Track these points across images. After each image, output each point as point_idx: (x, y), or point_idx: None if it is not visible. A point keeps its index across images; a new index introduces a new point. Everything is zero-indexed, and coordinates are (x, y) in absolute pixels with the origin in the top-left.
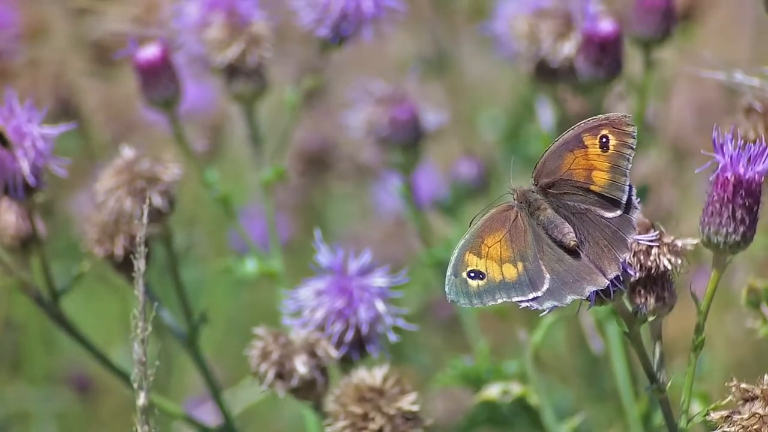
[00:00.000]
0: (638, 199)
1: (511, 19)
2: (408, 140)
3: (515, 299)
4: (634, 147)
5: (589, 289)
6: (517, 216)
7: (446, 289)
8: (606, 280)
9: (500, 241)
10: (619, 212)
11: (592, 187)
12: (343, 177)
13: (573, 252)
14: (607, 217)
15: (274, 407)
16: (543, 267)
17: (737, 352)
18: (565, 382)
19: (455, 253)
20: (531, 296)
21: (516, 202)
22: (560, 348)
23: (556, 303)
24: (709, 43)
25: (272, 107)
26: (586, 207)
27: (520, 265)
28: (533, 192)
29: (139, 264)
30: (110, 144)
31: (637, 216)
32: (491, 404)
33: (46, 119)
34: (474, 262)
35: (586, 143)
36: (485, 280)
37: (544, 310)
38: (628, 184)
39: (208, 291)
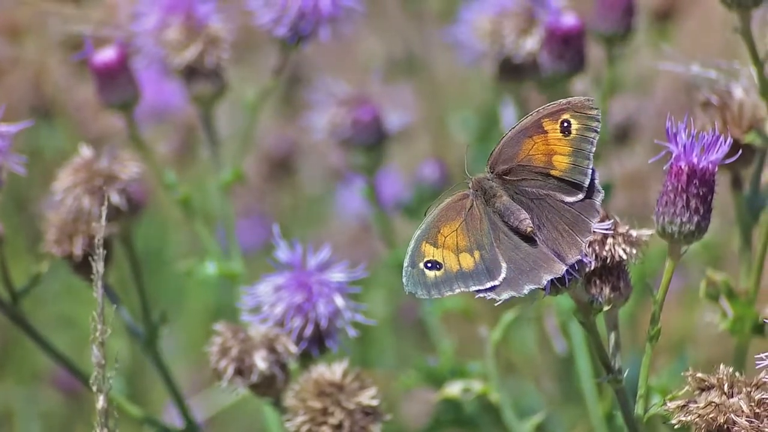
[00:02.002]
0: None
1: (474, 20)
2: (371, 141)
3: (473, 288)
4: (598, 130)
5: (546, 278)
6: (472, 204)
7: (404, 281)
8: (563, 267)
9: (456, 230)
10: (580, 196)
11: (553, 172)
12: (311, 180)
13: (529, 239)
14: (567, 202)
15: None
16: (499, 255)
17: (723, 346)
18: (537, 382)
19: (411, 243)
20: (488, 285)
21: (471, 190)
22: (532, 348)
23: (513, 293)
24: (690, 40)
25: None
26: (545, 192)
27: (476, 254)
28: (489, 180)
29: (98, 266)
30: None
31: (600, 200)
32: (456, 404)
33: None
34: (431, 252)
35: (546, 128)
36: (442, 270)
37: (500, 301)
38: (590, 167)
39: (202, 289)
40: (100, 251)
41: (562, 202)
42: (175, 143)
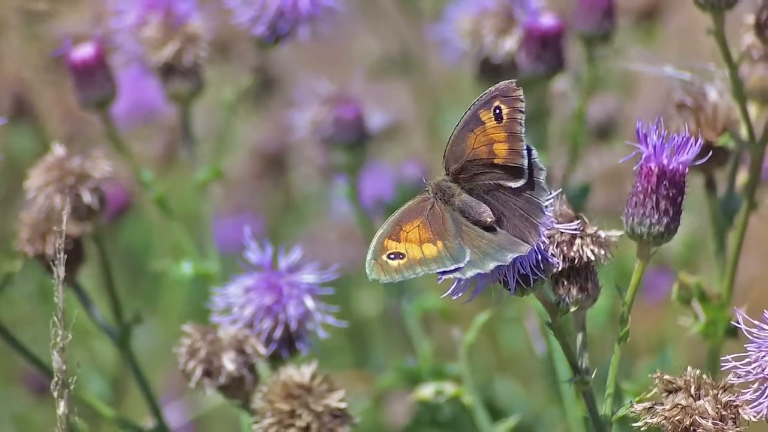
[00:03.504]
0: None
1: (457, 20)
2: (352, 140)
3: (435, 270)
4: (524, 111)
5: (511, 256)
6: (433, 205)
7: (367, 270)
8: (528, 247)
9: (418, 226)
10: (523, 180)
11: (496, 161)
12: (305, 177)
13: (492, 230)
14: (516, 188)
15: None
16: (464, 245)
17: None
18: (527, 382)
19: (373, 241)
20: (452, 267)
21: (432, 194)
22: (521, 348)
23: (479, 270)
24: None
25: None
26: (495, 183)
27: (440, 243)
28: (446, 181)
29: (59, 270)
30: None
31: (544, 177)
32: (434, 406)
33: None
34: (393, 246)
35: (482, 119)
36: (405, 258)
37: (465, 281)
38: (525, 148)
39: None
40: (61, 255)
41: (511, 188)
42: (161, 143)
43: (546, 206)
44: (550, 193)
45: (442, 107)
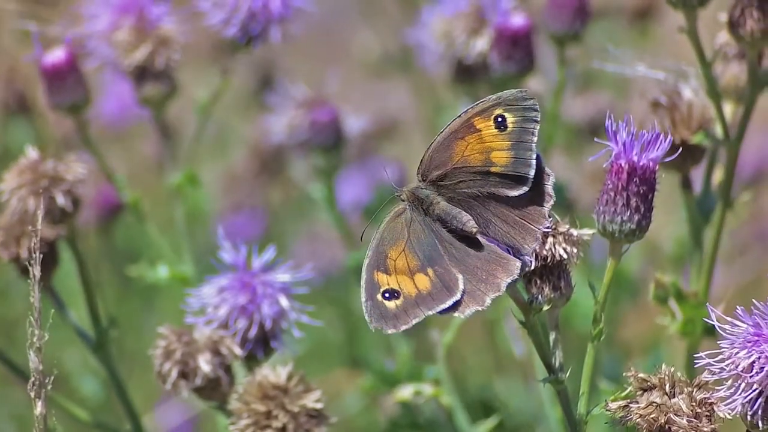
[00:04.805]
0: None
1: (432, 22)
2: (329, 143)
3: (437, 310)
4: (538, 120)
5: (505, 281)
6: (411, 218)
7: (366, 317)
8: (518, 264)
9: (404, 250)
10: (526, 188)
11: (493, 169)
12: (302, 175)
13: (475, 243)
14: (514, 196)
15: None
16: (452, 268)
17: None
18: (525, 381)
19: (363, 275)
20: (451, 302)
21: (407, 203)
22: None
23: (477, 307)
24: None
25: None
26: (487, 191)
27: (430, 271)
28: (422, 188)
29: (34, 270)
30: (62, 140)
31: (552, 182)
32: (413, 409)
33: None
34: (384, 281)
35: (478, 127)
36: (401, 298)
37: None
38: (533, 158)
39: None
40: (37, 255)
41: (508, 196)
42: (154, 142)
43: (549, 213)
44: (554, 198)
45: (442, 106)
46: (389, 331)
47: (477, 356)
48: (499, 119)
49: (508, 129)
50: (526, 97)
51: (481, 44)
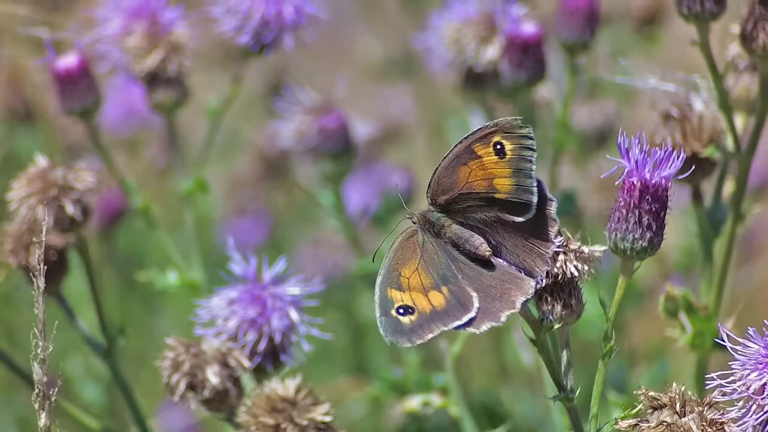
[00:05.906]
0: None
1: (442, 28)
2: (337, 149)
3: (451, 326)
4: (534, 148)
5: (520, 299)
6: (424, 240)
7: (381, 332)
8: (532, 284)
9: (417, 269)
10: (529, 214)
11: (497, 195)
12: (307, 180)
13: (489, 264)
14: (520, 221)
15: None
16: (466, 286)
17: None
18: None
19: (377, 292)
20: (466, 318)
21: (418, 225)
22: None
23: (493, 323)
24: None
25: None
26: (494, 215)
27: (444, 289)
28: (433, 212)
29: (39, 282)
30: (71, 147)
31: (555, 207)
32: (421, 417)
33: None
34: (398, 297)
35: (479, 153)
36: (416, 313)
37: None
38: (535, 185)
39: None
40: (41, 266)
41: (514, 221)
42: (160, 148)
43: (555, 237)
44: (558, 222)
45: (447, 111)
46: (405, 345)
47: (482, 361)
48: (498, 146)
49: (507, 156)
50: (520, 125)
51: (492, 52)
